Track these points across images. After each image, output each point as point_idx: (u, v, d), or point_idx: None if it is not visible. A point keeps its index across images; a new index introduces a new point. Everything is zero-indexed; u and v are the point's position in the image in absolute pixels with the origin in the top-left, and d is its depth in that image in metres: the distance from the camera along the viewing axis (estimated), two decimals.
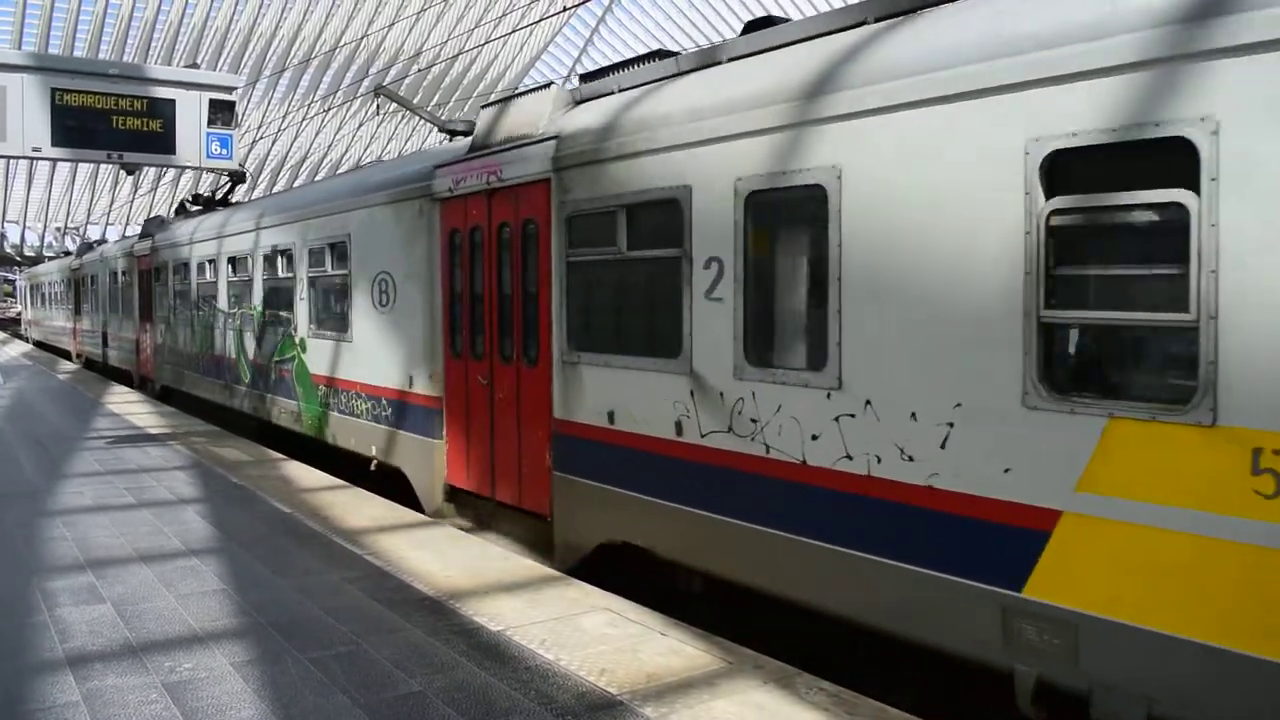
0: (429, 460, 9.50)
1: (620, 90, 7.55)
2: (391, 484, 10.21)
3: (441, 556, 7.41)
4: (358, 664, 5.21)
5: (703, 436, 6.20)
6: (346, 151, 60.86)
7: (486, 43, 50.35)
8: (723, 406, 6.03)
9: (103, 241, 32.60)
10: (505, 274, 8.41)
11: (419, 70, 50.65)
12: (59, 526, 8.33)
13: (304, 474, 11.01)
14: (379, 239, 10.44)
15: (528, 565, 7.24)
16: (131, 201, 59.89)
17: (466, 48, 50.55)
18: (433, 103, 54.65)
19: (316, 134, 58.75)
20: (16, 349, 37.11)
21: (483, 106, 9.25)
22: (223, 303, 15.83)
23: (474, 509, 9.04)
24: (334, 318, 11.83)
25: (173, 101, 15.11)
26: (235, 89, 15.79)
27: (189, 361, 18.02)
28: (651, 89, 7.11)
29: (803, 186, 5.56)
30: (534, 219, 7.91)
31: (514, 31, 50.70)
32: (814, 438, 5.48)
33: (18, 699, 4.75)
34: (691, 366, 6.28)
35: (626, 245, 6.91)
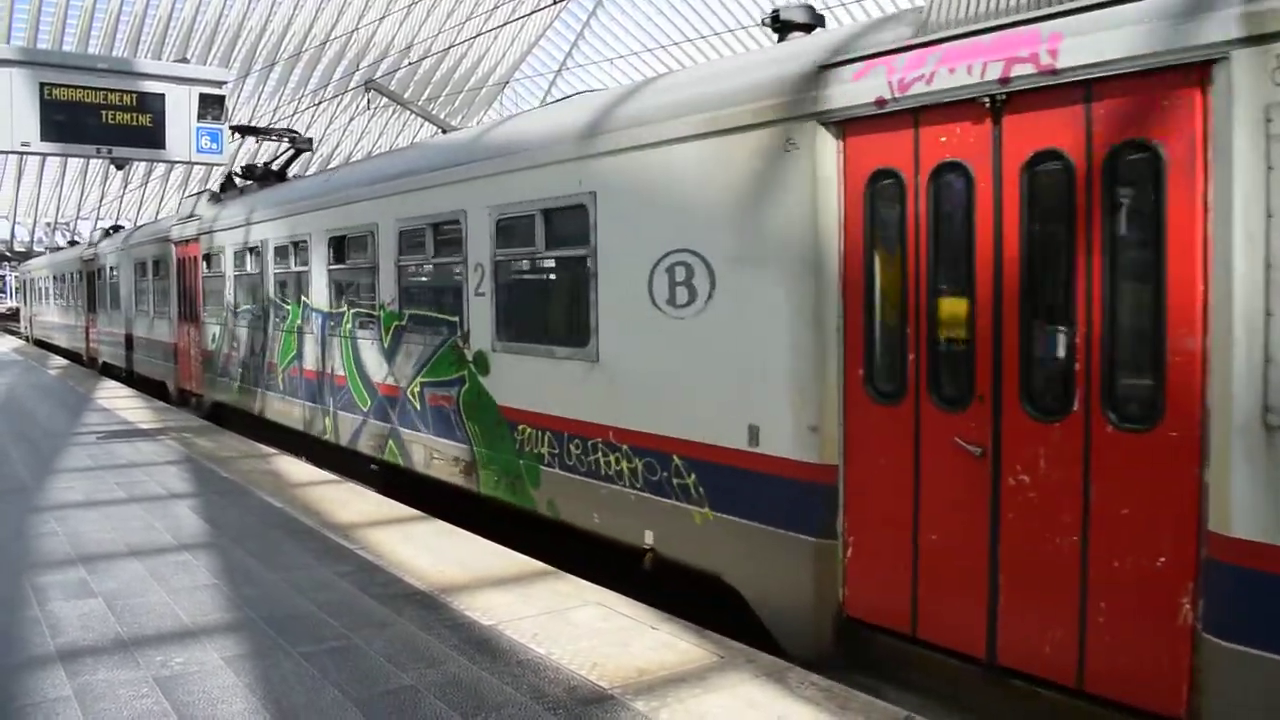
0: (802, 572, 5.71)
1: None
2: (681, 588, 6.57)
3: (432, 550, 7.41)
4: (349, 658, 5.21)
5: None
6: (337, 146, 60.71)
7: (476, 36, 50.26)
8: None
9: (120, 228, 28.43)
10: (1037, 248, 4.83)
11: (409, 64, 50.56)
12: (50, 521, 8.30)
13: (295, 469, 10.99)
14: (670, 198, 6.51)
15: (519, 559, 7.24)
16: (121, 196, 59.66)
17: (457, 41, 50.44)
18: (423, 98, 54.58)
19: (307, 128, 58.58)
20: (7, 344, 36.96)
21: None
22: (318, 299, 11.65)
23: (915, 666, 5.33)
24: (555, 323, 8.13)
25: (162, 96, 15.02)
26: (225, 83, 15.72)
27: (258, 376, 13.86)
28: None
29: None
30: (1153, 141, 4.33)
31: (504, 25, 50.60)
32: None
33: (9, 694, 4.75)
34: None
35: None
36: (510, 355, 8.16)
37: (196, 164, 16.32)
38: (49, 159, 54.05)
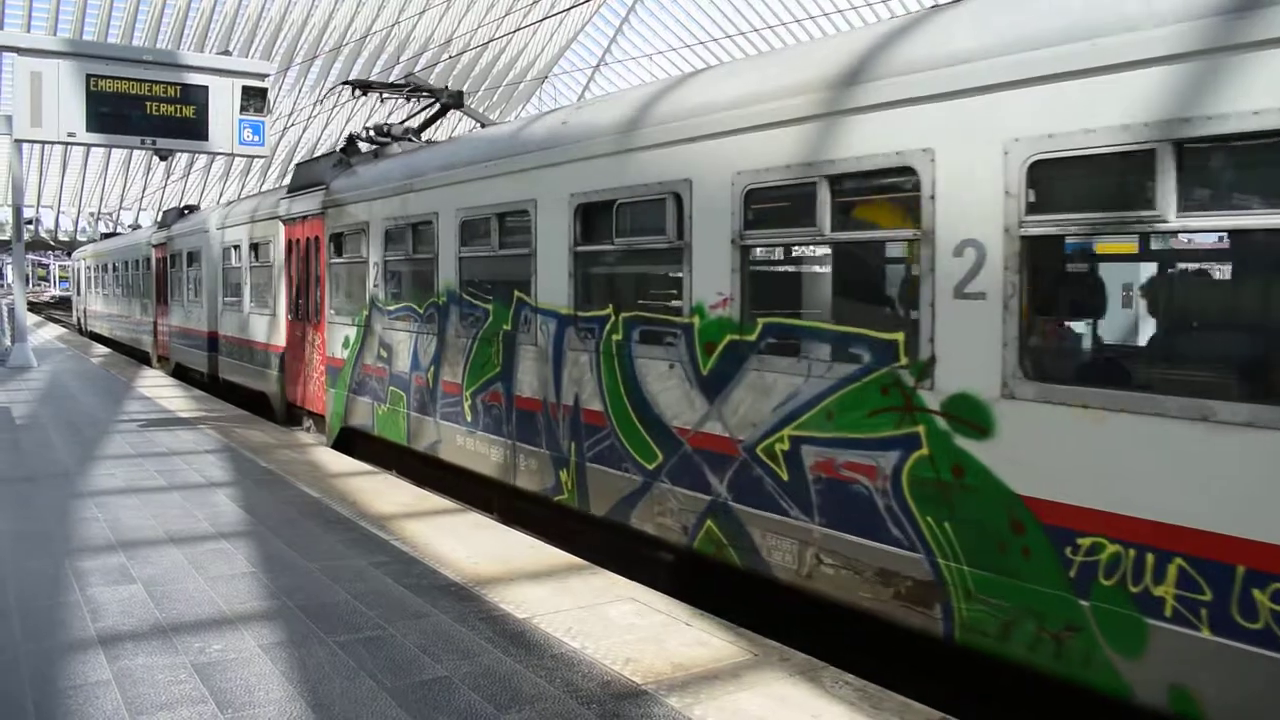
0: None
1: None
2: None
3: (468, 543, 7.42)
4: (384, 648, 5.23)
5: None
6: None
7: (516, 30, 50.37)
8: None
9: (194, 209, 24.91)
10: None
11: (449, 58, 50.80)
12: (91, 508, 8.41)
13: (332, 459, 11.06)
14: None
15: (554, 553, 7.23)
16: (164, 187, 60.50)
17: (497, 35, 50.64)
18: (462, 91, 54.86)
19: (347, 121, 59.11)
20: (51, 332, 37.57)
21: None
22: (550, 295, 8.04)
23: None
24: (1216, 354, 4.68)
25: (206, 88, 15.23)
26: (268, 76, 15.87)
27: (426, 400, 10.11)
28: None
29: None
30: None
31: (544, 20, 50.70)
32: None
33: (50, 677, 4.81)
34: None
35: None
36: (1057, 409, 4.55)
37: (239, 155, 16.47)
38: (93, 150, 54.99)
